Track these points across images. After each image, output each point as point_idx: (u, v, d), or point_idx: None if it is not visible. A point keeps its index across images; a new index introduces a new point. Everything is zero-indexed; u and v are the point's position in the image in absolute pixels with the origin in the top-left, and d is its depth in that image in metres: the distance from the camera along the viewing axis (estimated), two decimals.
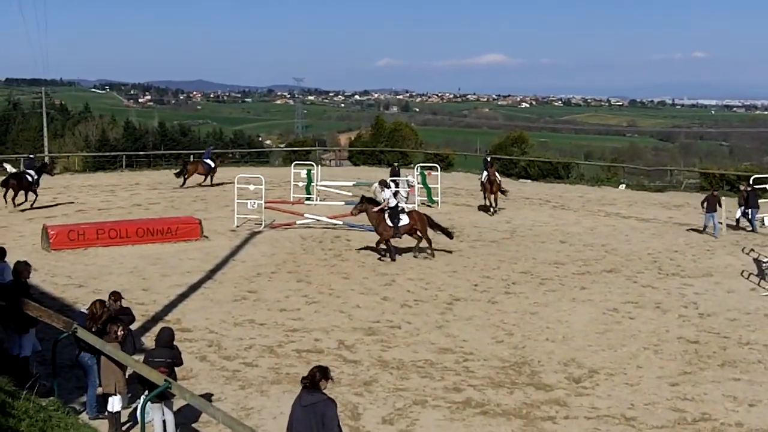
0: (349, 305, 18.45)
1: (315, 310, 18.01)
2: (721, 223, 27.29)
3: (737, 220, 28.15)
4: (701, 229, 27.57)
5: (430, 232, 23.63)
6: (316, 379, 8.61)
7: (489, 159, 33.32)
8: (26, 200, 30.43)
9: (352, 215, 24.41)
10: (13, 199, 29.98)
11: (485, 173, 31.72)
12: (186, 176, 37.71)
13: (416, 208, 26.83)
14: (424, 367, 14.44)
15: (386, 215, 23.10)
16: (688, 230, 28.20)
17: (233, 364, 14.45)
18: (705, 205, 27.09)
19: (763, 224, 27.88)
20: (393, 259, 23.02)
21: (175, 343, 11.22)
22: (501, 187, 31.27)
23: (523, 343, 15.89)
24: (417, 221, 23.39)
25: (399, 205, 24.20)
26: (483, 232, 27.67)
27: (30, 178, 30.50)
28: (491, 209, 31.23)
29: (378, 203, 23.89)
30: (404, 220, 23.19)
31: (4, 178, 31.42)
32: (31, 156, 36.45)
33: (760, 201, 28.50)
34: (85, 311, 12.32)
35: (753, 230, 27.74)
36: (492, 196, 31.16)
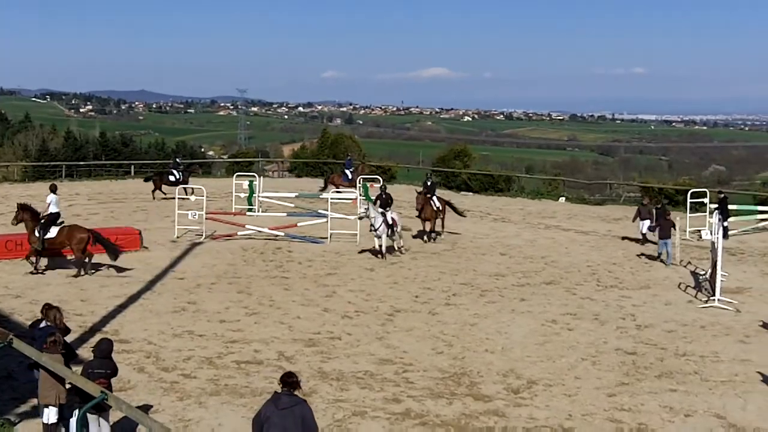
0: (289, 316, 18.38)
1: (255, 322, 17.90)
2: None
3: (644, 235, 27.97)
4: (640, 239, 28.00)
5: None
6: (296, 381, 9.00)
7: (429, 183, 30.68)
8: None
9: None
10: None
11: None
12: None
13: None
14: (364, 378, 14.44)
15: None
16: (622, 238, 28.86)
17: (171, 376, 14.30)
18: (655, 230, 25.93)
19: (701, 238, 28.33)
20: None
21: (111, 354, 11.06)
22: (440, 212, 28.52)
23: (462, 354, 15.97)
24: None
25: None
26: (424, 243, 27.78)
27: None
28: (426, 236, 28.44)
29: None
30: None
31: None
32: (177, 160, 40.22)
33: (698, 214, 29.08)
34: (48, 324, 11.97)
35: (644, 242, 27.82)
36: (428, 223, 28.34)
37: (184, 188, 35.95)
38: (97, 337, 15.87)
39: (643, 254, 26.37)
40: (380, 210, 25.46)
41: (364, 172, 39.68)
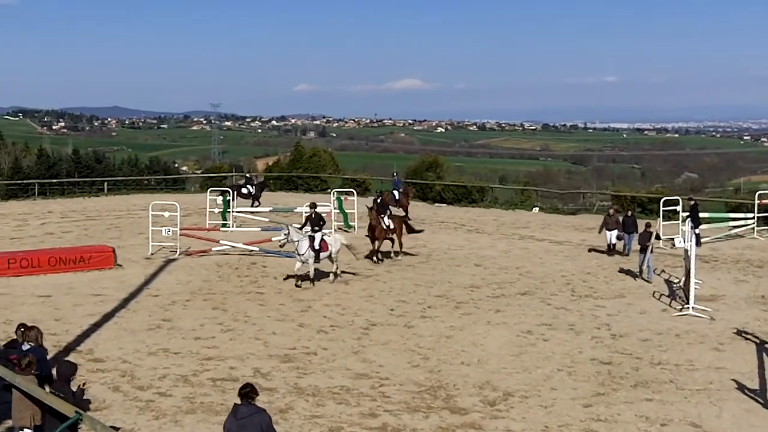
0: (264, 332, 18.32)
1: (230, 338, 17.83)
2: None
3: (610, 246, 27.89)
4: (605, 250, 28.04)
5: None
6: (251, 391, 9.31)
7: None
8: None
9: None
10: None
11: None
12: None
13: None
14: (340, 393, 14.40)
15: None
16: (589, 250, 28.89)
17: (147, 394, 14.19)
18: (638, 238, 25.60)
19: (674, 246, 28.49)
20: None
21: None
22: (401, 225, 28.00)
23: (438, 367, 15.98)
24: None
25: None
26: (375, 263, 27.66)
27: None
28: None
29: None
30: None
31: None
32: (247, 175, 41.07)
33: (671, 222, 29.28)
34: (31, 345, 11.80)
35: (627, 254, 27.47)
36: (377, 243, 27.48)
37: (253, 203, 37.71)
38: (72, 357, 15.86)
39: (622, 269, 26.48)
40: (308, 233, 23.36)
41: (410, 193, 39.03)
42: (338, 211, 33.35)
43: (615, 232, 27.56)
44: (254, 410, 9.21)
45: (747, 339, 18.08)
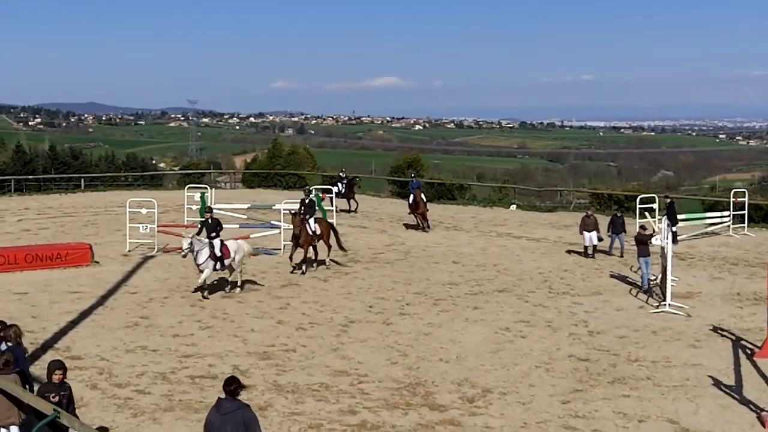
0: (243, 329, 18.30)
1: (209, 335, 17.80)
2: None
3: (587, 248, 27.38)
4: (582, 251, 27.57)
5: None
6: (238, 387, 9.25)
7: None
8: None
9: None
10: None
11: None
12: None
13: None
14: (320, 390, 14.41)
15: None
16: (568, 251, 28.52)
17: (125, 392, 14.14)
18: (602, 240, 26.66)
19: (651, 244, 28.61)
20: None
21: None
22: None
23: (417, 364, 16.01)
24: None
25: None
26: (377, 253, 27.83)
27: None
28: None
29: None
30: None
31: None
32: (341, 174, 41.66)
33: (647, 220, 29.40)
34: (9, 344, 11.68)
35: (621, 255, 27.14)
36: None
37: (348, 201, 38.66)
38: (49, 355, 15.79)
39: (598, 266, 26.61)
40: (206, 240, 21.52)
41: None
42: (317, 208, 33.29)
43: (594, 234, 27.03)
44: (238, 405, 9.18)
45: (723, 336, 18.23)
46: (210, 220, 22.17)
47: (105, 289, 21.86)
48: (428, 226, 33.00)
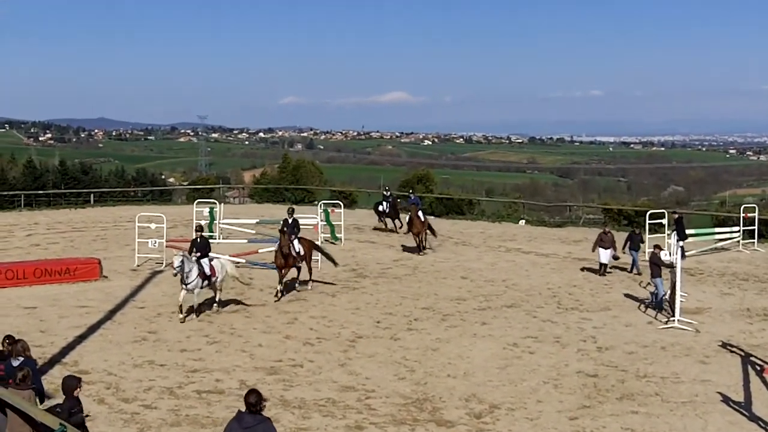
0: (251, 344, 18.29)
1: (216, 350, 17.79)
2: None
3: (603, 265, 26.77)
4: (598, 269, 26.92)
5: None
6: (261, 401, 9.18)
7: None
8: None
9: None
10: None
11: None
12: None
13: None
14: (326, 405, 14.38)
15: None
16: (582, 269, 27.95)
17: (132, 407, 14.14)
18: (618, 258, 26.47)
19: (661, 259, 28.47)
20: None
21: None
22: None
23: (425, 380, 15.98)
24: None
25: None
26: (386, 268, 27.81)
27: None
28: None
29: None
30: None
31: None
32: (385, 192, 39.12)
33: (656, 235, 29.32)
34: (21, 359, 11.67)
35: (638, 273, 26.63)
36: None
37: (393, 220, 37.17)
38: (56, 369, 15.83)
39: (608, 282, 26.55)
40: (195, 258, 20.96)
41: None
42: (325, 223, 33.31)
43: (610, 251, 26.49)
44: (260, 419, 9.10)
45: (732, 352, 18.16)
46: (200, 239, 21.78)
47: (113, 304, 21.89)
48: (423, 248, 31.02)
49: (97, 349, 17.74)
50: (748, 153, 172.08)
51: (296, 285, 24.35)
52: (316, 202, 42.39)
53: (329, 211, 34.45)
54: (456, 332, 19.64)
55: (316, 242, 25.92)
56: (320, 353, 17.71)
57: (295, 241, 23.90)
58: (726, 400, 14.91)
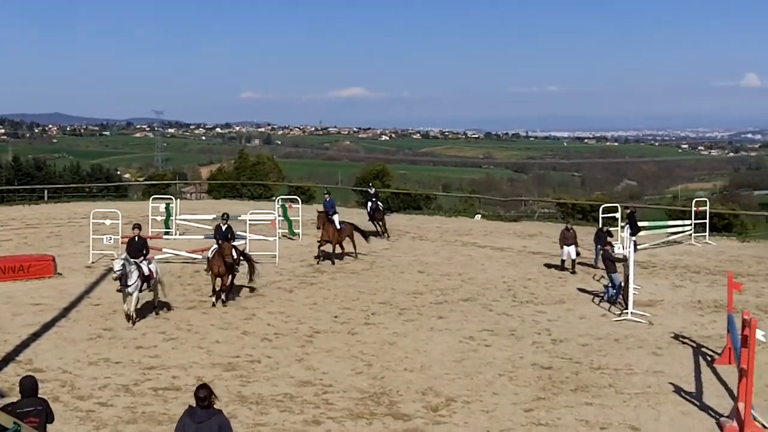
0: (208, 341, 18.24)
1: (173, 347, 17.72)
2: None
3: (564, 261, 26.83)
4: (559, 264, 26.87)
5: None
6: (211, 395, 9.26)
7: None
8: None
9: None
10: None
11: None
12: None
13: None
14: (284, 401, 14.41)
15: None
16: (545, 265, 27.89)
17: (87, 404, 14.06)
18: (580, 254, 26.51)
19: (614, 252, 28.79)
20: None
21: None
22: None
23: (382, 374, 16.06)
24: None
25: None
26: (343, 263, 27.86)
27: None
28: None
29: None
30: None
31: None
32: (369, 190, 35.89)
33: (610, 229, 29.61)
34: None
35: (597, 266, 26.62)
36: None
37: (375, 223, 34.04)
38: (11, 368, 15.68)
39: (562, 276, 26.82)
40: (133, 261, 19.92)
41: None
42: (282, 218, 33.29)
43: (573, 248, 26.43)
44: (212, 412, 9.20)
45: (684, 343, 18.46)
46: (137, 238, 20.75)
47: (68, 301, 21.70)
48: (321, 258, 28.06)
49: (52, 346, 17.59)
50: (699, 148, 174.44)
51: (230, 293, 22.42)
52: (273, 198, 42.38)
53: (287, 206, 34.43)
54: (413, 326, 19.75)
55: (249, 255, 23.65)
56: (278, 349, 17.72)
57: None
58: (678, 390, 15.17)
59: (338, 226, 28.28)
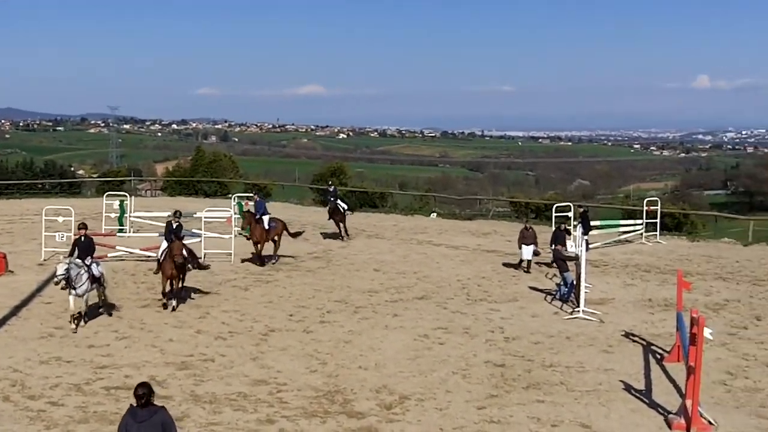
0: (161, 339, 18.15)
1: (125, 346, 17.61)
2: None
3: (523, 261, 26.77)
4: (517, 263, 26.96)
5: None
6: (151, 392, 9.20)
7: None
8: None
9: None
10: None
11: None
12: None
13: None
14: (238, 399, 14.39)
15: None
16: (504, 264, 27.79)
17: (38, 404, 13.92)
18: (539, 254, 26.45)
19: (567, 251, 29.02)
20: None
21: None
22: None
23: (336, 372, 16.10)
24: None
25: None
26: (299, 261, 27.85)
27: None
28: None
29: None
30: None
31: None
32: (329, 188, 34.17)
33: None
34: None
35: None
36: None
37: (337, 223, 32.90)
38: None
39: (515, 274, 27.04)
40: (79, 262, 19.22)
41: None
42: (239, 216, 33.15)
43: (532, 248, 26.47)
44: (154, 410, 9.16)
45: (634, 341, 18.71)
46: (83, 238, 19.83)
47: (19, 299, 21.45)
48: (262, 261, 27.29)
49: (2, 345, 17.38)
50: (651, 148, 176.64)
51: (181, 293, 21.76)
52: (230, 195, 42.21)
53: (243, 204, 34.31)
54: (368, 324, 19.83)
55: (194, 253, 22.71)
56: (232, 347, 17.68)
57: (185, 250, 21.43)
58: (628, 388, 15.37)
59: (266, 226, 27.35)
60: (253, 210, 28.12)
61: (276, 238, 27.81)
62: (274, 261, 27.56)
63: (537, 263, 27.30)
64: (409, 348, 17.88)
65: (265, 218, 27.56)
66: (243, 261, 27.53)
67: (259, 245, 27.13)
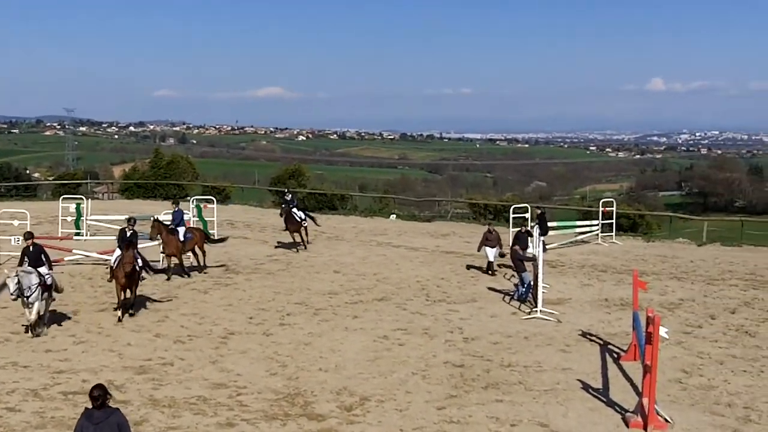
0: (119, 343, 18.03)
1: (83, 350, 17.47)
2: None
3: (490, 263, 26.61)
4: (485, 267, 26.85)
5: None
6: (106, 394, 9.26)
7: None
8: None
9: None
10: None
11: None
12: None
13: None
14: (197, 403, 14.35)
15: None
16: (468, 267, 27.60)
17: None
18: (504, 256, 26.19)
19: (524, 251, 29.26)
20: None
21: None
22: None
23: (296, 374, 16.11)
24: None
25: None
26: (259, 264, 27.78)
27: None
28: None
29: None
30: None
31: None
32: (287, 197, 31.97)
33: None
34: None
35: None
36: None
37: (292, 234, 31.17)
38: None
39: (474, 275, 27.20)
40: (32, 270, 18.65)
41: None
42: (198, 219, 32.97)
43: (496, 250, 26.45)
44: (109, 412, 9.20)
45: (591, 340, 18.94)
46: (31, 248, 19.15)
47: None
48: (172, 272, 25.51)
49: None
50: (607, 150, 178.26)
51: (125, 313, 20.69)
52: (188, 198, 41.91)
53: (202, 206, 34.13)
54: (328, 326, 19.85)
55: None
56: (191, 351, 17.62)
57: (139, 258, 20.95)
58: (586, 387, 15.57)
59: (182, 238, 25.81)
60: (170, 220, 26.60)
61: (196, 249, 26.47)
62: (206, 272, 26.32)
63: (500, 265, 27.40)
64: (369, 349, 17.94)
65: (181, 229, 25.97)
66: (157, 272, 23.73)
67: (174, 258, 25.57)
